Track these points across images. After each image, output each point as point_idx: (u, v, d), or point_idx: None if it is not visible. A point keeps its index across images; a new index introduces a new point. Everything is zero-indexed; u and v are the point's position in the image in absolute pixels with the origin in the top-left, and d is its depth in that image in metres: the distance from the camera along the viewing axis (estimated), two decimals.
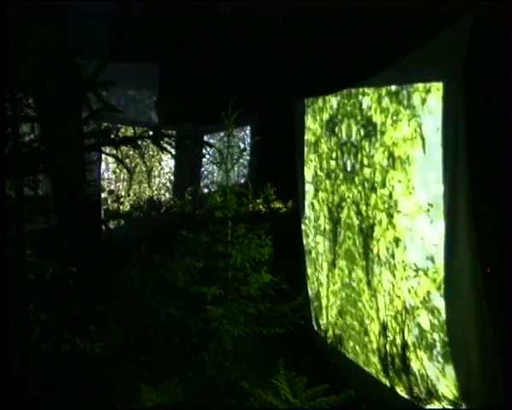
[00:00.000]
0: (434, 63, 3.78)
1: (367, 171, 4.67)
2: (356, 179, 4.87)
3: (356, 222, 4.94)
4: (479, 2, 3.37)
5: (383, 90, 4.36)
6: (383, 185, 4.46)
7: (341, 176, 5.11)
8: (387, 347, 4.53)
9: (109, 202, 10.07)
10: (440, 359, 3.96)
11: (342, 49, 5.62)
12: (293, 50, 7.49)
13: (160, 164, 10.86)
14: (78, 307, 4.09)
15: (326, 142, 5.28)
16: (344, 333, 5.35)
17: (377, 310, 4.70)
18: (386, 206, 4.44)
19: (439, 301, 3.92)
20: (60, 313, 4.05)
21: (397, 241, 4.36)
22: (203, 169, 11.44)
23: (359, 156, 4.75)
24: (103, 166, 9.75)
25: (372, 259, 4.71)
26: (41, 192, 4.68)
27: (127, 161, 10.04)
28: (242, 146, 10.82)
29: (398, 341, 4.38)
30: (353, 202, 4.96)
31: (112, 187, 10.20)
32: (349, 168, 4.96)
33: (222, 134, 10.26)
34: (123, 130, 9.45)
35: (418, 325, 4.15)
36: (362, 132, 4.69)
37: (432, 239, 3.94)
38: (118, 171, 10.20)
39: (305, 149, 5.78)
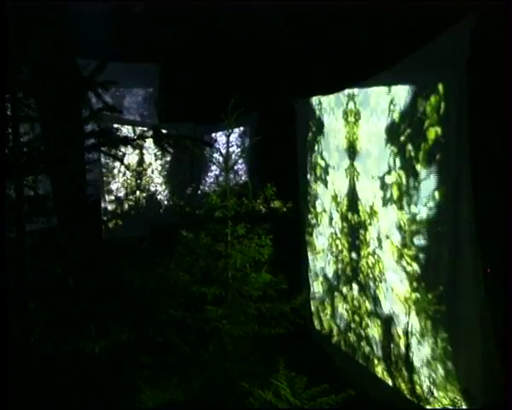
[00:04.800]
0: (436, 64, 3.78)
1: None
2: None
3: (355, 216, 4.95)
4: (480, 2, 3.36)
5: None
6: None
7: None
8: (391, 346, 4.53)
9: (109, 201, 10.07)
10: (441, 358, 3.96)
11: (343, 50, 5.62)
12: (294, 50, 7.49)
13: (159, 164, 10.85)
14: (78, 307, 4.09)
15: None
16: (346, 332, 5.36)
17: (379, 308, 4.70)
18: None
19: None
20: (60, 313, 4.05)
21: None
22: (203, 169, 11.43)
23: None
24: (103, 165, 9.75)
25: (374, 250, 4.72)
26: (41, 192, 4.68)
27: (127, 160, 10.04)
28: (242, 146, 10.81)
29: (401, 340, 4.38)
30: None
31: (111, 187, 10.20)
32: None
33: (222, 134, 10.27)
34: (123, 130, 9.46)
35: (421, 323, 4.15)
36: None
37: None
38: (117, 170, 10.20)
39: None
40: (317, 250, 5.85)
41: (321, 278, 5.85)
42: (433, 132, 3.86)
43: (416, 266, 4.15)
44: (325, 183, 5.58)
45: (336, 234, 5.40)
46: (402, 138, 4.20)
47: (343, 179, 5.15)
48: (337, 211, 5.31)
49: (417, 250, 4.12)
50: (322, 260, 5.77)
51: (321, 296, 5.84)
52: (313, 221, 5.91)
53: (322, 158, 5.57)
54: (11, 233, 3.45)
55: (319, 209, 5.75)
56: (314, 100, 5.64)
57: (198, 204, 10.35)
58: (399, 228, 4.30)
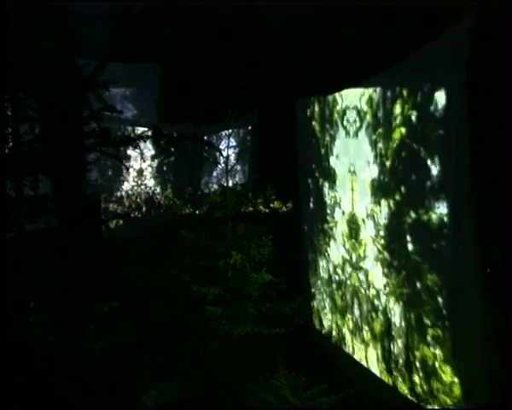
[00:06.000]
0: (436, 63, 3.78)
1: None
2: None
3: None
4: (480, 2, 3.37)
5: None
6: None
7: None
8: (391, 345, 4.53)
9: (109, 201, 10.07)
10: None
11: (343, 50, 5.62)
12: (294, 50, 7.49)
13: (159, 164, 10.86)
14: (78, 307, 4.09)
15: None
16: (345, 331, 5.36)
17: (379, 306, 4.71)
18: None
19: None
20: (60, 313, 4.05)
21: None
22: (203, 169, 11.44)
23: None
24: (103, 166, 9.76)
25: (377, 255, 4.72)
26: (41, 192, 4.68)
27: (127, 160, 10.06)
28: (243, 146, 10.82)
29: (402, 340, 4.39)
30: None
31: (112, 186, 10.20)
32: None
33: (222, 134, 10.28)
34: (123, 130, 9.47)
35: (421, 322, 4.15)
36: None
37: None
38: (118, 171, 10.21)
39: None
40: (321, 251, 5.85)
41: (321, 279, 5.85)
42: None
43: (415, 266, 4.16)
44: (328, 183, 5.58)
45: (341, 234, 5.40)
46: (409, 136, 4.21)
47: (345, 179, 5.16)
48: (342, 212, 5.31)
49: (417, 250, 4.13)
50: (325, 260, 5.77)
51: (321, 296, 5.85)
52: (317, 222, 5.90)
53: (327, 159, 5.57)
54: (11, 233, 3.45)
55: (323, 210, 5.75)
56: (330, 99, 5.50)
57: (198, 204, 10.36)
58: (398, 228, 4.31)
